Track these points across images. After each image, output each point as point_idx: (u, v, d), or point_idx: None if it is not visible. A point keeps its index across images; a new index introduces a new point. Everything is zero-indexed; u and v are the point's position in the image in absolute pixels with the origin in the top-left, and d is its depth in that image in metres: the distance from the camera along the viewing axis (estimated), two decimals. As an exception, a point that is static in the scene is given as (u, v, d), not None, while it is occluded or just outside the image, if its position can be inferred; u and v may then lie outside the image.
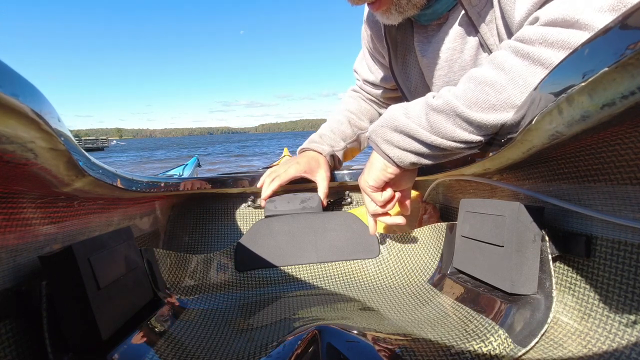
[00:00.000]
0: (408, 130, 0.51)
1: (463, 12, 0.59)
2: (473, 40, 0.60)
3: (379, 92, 0.91)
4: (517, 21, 0.49)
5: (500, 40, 0.54)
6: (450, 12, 0.61)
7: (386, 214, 0.64)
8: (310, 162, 0.84)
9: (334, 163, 0.89)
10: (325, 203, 0.82)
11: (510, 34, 0.52)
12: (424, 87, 0.73)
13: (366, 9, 0.80)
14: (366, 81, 0.91)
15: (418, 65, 0.72)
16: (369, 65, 0.88)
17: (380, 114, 0.94)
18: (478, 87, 0.45)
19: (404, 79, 0.75)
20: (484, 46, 0.58)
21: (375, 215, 0.64)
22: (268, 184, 0.81)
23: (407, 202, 0.65)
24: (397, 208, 0.65)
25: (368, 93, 0.94)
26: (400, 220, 0.64)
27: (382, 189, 0.60)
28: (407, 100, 0.78)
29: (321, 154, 0.86)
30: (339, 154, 0.89)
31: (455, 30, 0.61)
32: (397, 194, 0.62)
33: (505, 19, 0.52)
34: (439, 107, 0.47)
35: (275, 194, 0.85)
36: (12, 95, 0.22)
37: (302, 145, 0.90)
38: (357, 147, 0.94)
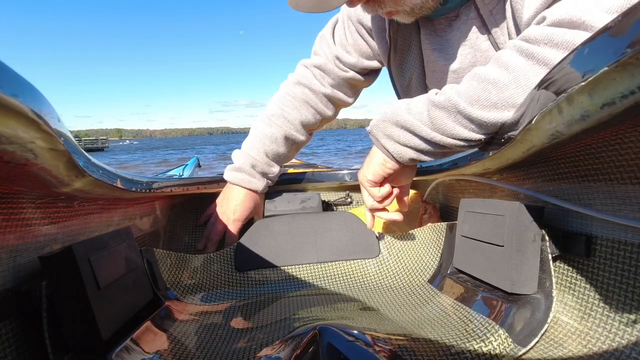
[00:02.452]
0: (409, 125, 0.51)
1: (474, 8, 0.58)
2: (485, 37, 0.60)
3: (348, 75, 0.80)
4: (525, 20, 0.49)
5: (510, 38, 0.54)
6: (461, 7, 0.61)
7: (384, 209, 0.64)
8: (246, 209, 0.77)
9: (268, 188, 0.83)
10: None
11: (519, 33, 0.52)
12: (419, 85, 0.72)
13: None
14: (338, 59, 0.79)
15: (418, 62, 0.71)
16: (345, 44, 0.79)
17: (322, 118, 0.85)
18: (481, 84, 0.45)
19: (398, 76, 0.74)
20: (494, 44, 0.58)
21: (372, 210, 0.64)
22: (203, 247, 0.76)
23: (405, 199, 0.65)
24: (395, 205, 0.65)
25: (330, 77, 0.81)
26: (398, 216, 0.64)
27: (381, 184, 0.60)
28: (399, 98, 0.77)
29: (256, 192, 0.79)
30: (274, 178, 0.83)
31: (468, 27, 0.61)
32: (396, 190, 0.62)
33: (515, 18, 0.52)
34: (441, 104, 0.47)
35: (275, 193, 0.85)
36: (12, 95, 0.22)
37: (230, 175, 0.78)
38: (290, 159, 0.87)
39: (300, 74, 0.84)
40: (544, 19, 0.43)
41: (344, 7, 0.78)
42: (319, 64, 0.81)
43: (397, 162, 0.55)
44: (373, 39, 0.76)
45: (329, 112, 0.85)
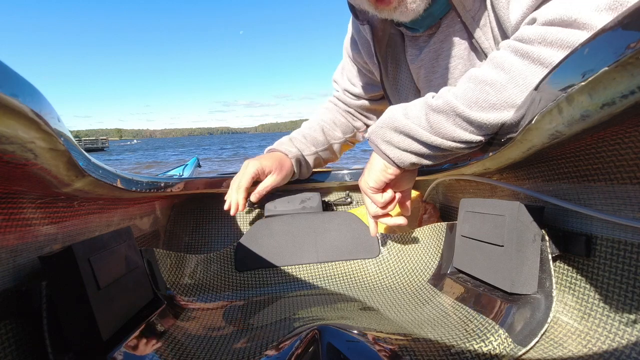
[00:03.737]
0: (408, 130, 0.50)
1: (456, 17, 0.58)
2: (470, 47, 0.60)
3: (359, 103, 0.89)
4: (512, 24, 0.49)
5: (496, 44, 0.54)
6: (442, 19, 0.61)
7: (387, 215, 0.63)
8: (272, 162, 0.78)
9: (300, 169, 0.84)
10: (241, 205, 0.72)
11: (505, 37, 0.52)
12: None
13: (350, 25, 0.80)
14: (347, 91, 0.89)
15: (410, 79, 0.72)
16: (349, 77, 0.87)
17: (354, 127, 0.93)
18: (478, 86, 0.45)
19: (394, 95, 0.76)
20: (479, 51, 0.58)
21: (376, 217, 0.64)
22: (235, 193, 0.74)
23: (408, 203, 0.65)
24: (397, 209, 0.65)
25: (346, 104, 0.92)
26: (401, 220, 0.64)
27: (383, 190, 0.60)
28: None
29: (287, 155, 0.82)
30: (309, 159, 0.85)
31: (451, 37, 0.61)
32: (398, 195, 0.62)
33: (500, 22, 0.52)
34: (439, 107, 0.47)
35: (275, 194, 0.85)
36: (12, 95, 0.22)
37: (270, 147, 0.85)
38: (330, 157, 0.92)
39: (330, 99, 0.97)
40: (534, 20, 0.43)
41: (344, 49, 0.87)
42: (337, 96, 0.94)
43: (398, 167, 0.55)
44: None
45: (358, 123, 0.93)
